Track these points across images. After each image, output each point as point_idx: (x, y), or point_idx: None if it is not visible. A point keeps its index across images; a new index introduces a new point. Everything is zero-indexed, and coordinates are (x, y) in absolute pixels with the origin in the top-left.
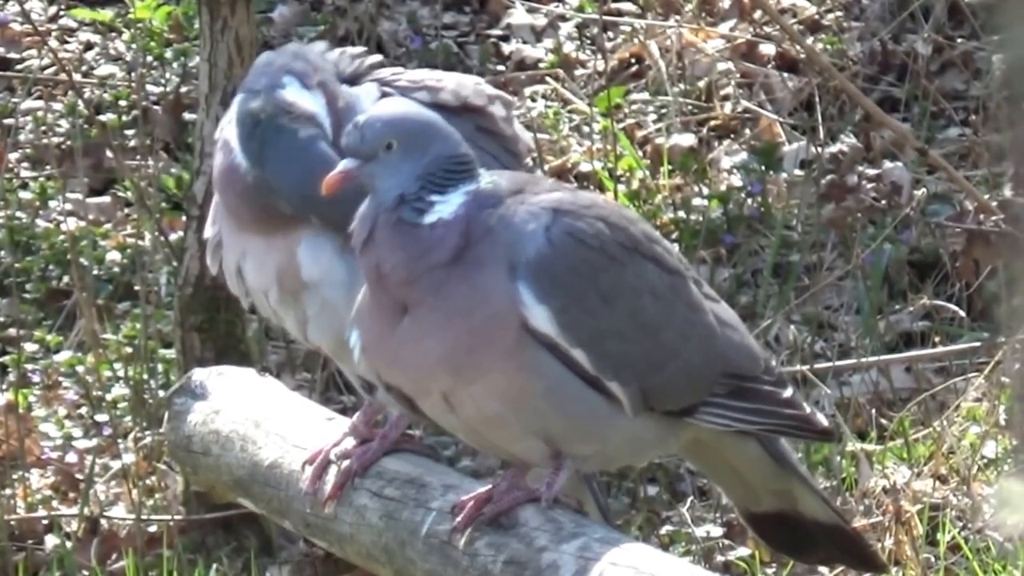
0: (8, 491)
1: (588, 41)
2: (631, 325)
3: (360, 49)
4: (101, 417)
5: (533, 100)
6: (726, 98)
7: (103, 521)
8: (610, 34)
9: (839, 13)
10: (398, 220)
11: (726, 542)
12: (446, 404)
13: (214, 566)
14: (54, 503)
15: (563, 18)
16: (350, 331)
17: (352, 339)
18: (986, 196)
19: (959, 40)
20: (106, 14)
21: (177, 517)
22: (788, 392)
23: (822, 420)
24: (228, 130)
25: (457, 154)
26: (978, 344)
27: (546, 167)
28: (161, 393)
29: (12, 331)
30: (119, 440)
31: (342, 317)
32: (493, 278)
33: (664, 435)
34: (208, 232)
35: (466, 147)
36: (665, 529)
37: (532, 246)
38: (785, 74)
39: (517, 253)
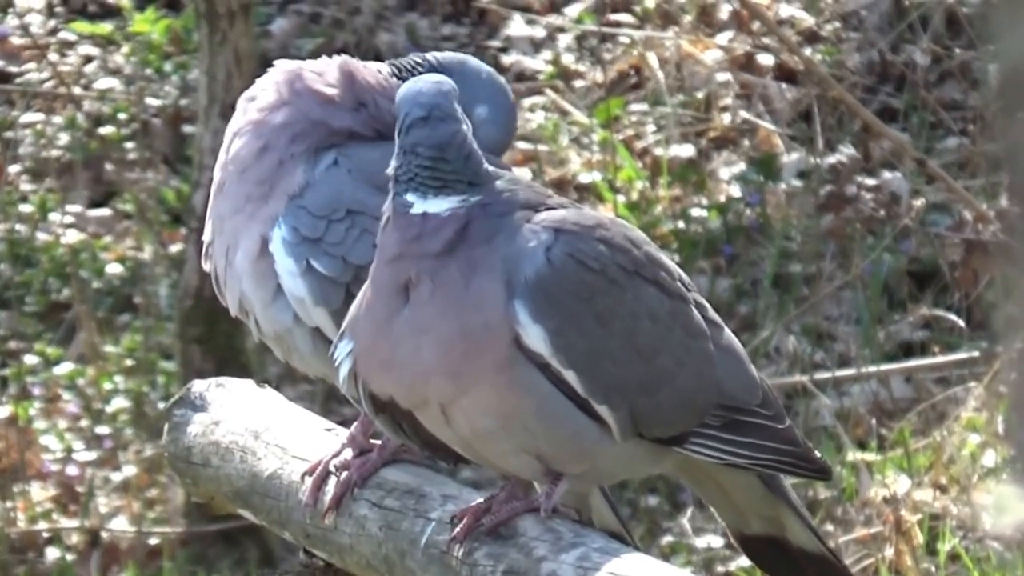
0: (9, 504)
1: (587, 53)
2: (626, 349)
3: None
4: (102, 429)
5: (532, 112)
6: (725, 109)
7: (104, 533)
8: (609, 46)
9: (837, 24)
10: (396, 206)
11: (727, 553)
12: (443, 416)
13: None
14: (55, 516)
15: (562, 30)
16: (336, 345)
17: (339, 352)
18: (984, 206)
19: (957, 51)
20: (105, 27)
21: (178, 529)
22: (785, 426)
23: (819, 456)
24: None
25: (440, 157)
26: (977, 354)
27: (545, 178)
28: (161, 405)
29: (12, 344)
30: (120, 452)
31: (324, 348)
32: (490, 286)
33: (655, 459)
34: (207, 266)
35: (462, 154)
36: (666, 539)
37: (531, 265)
38: (784, 85)
39: (516, 270)
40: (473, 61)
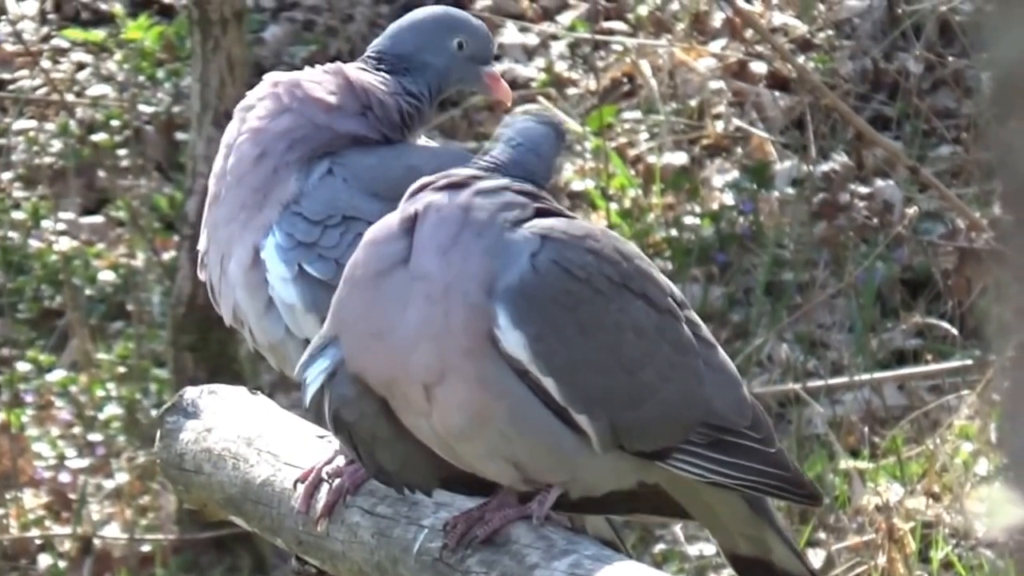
0: (1, 511)
1: (580, 60)
2: (608, 360)
3: None
4: (94, 437)
5: None
6: (718, 117)
7: (96, 541)
8: (602, 53)
9: (830, 32)
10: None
11: (719, 560)
12: (427, 404)
13: None
14: (47, 523)
15: (555, 37)
16: (310, 362)
17: (313, 370)
18: (978, 214)
19: (950, 58)
20: (98, 34)
21: (170, 536)
22: (775, 450)
23: (810, 482)
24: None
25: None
26: (970, 362)
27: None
28: (154, 412)
29: (5, 351)
30: (112, 459)
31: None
32: (475, 250)
33: (639, 473)
34: (202, 275)
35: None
36: (659, 547)
37: (515, 270)
38: (777, 93)
39: (499, 273)
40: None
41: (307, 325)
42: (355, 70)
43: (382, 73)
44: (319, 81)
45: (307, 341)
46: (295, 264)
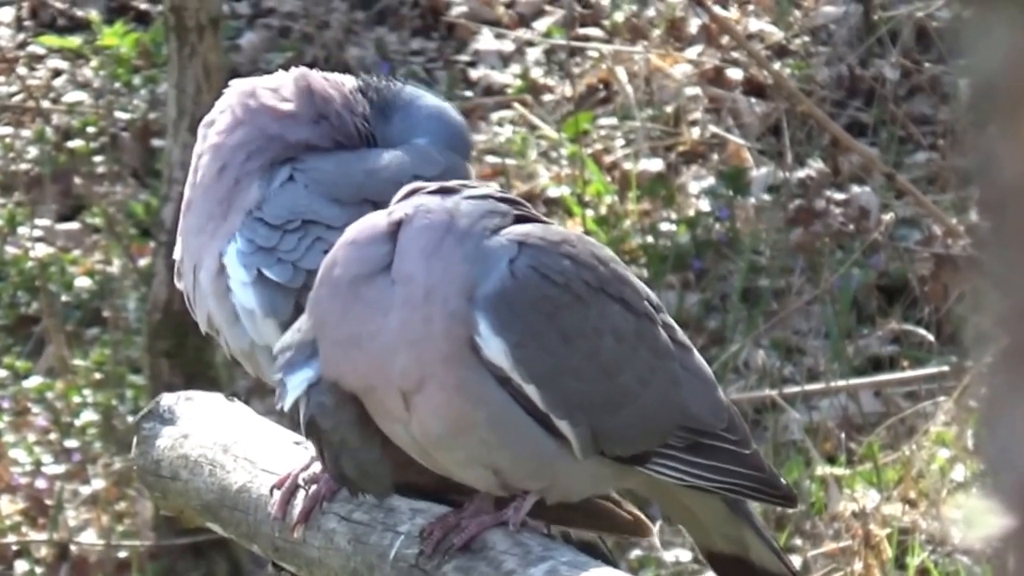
0: None
1: (556, 67)
2: (589, 366)
3: None
4: (71, 443)
5: (501, 126)
6: (694, 123)
7: (73, 547)
8: (578, 59)
9: (806, 38)
10: None
11: (695, 567)
12: (405, 413)
13: None
14: (24, 529)
15: (531, 44)
16: (290, 370)
17: (294, 380)
18: (954, 220)
19: (927, 65)
20: (74, 41)
21: (147, 543)
22: (750, 451)
23: (785, 483)
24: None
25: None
26: (947, 368)
27: (514, 192)
28: (130, 419)
29: None
30: (89, 466)
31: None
32: (453, 277)
33: (618, 477)
34: (179, 285)
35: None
36: (635, 553)
37: (494, 277)
38: (753, 99)
39: (478, 281)
40: (430, 98)
41: (266, 330)
42: (320, 77)
43: (360, 95)
44: (277, 87)
45: (268, 348)
46: (254, 268)
